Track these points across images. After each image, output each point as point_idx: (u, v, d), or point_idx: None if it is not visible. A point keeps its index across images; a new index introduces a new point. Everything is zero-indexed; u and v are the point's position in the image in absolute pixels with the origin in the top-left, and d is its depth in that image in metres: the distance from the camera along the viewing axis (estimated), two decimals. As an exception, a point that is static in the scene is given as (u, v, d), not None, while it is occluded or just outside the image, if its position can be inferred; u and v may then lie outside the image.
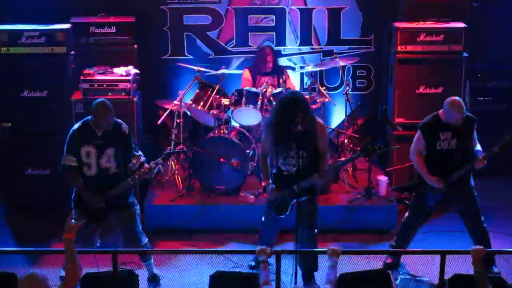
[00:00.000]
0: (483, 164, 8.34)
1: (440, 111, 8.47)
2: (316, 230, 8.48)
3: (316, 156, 8.30)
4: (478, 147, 8.53)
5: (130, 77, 10.29)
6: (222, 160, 10.13)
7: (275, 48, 11.49)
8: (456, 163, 8.45)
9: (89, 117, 8.25)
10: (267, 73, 10.98)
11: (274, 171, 8.41)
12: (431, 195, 8.55)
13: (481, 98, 11.46)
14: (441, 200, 8.58)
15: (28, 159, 10.47)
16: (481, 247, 6.85)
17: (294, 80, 11.58)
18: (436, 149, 8.45)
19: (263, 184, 8.51)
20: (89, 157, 8.17)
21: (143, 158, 8.33)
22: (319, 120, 8.39)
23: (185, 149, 9.99)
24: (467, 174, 8.54)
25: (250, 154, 10.38)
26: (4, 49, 10.27)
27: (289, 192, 8.29)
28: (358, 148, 8.55)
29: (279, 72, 11.02)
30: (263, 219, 8.63)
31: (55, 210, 10.05)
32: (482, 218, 8.58)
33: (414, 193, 8.79)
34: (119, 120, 8.35)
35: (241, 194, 10.15)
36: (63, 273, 7.51)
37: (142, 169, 8.19)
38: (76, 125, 8.30)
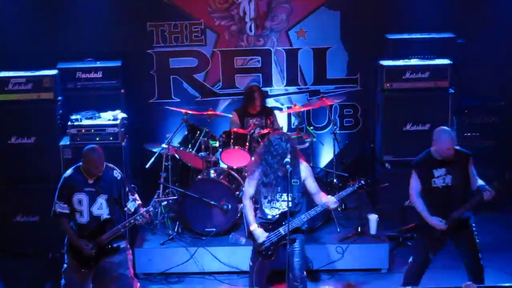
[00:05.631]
0: (492, 195, 8.09)
1: (432, 147, 8.33)
2: (304, 272, 8.34)
3: (301, 199, 8.26)
4: (480, 182, 8.29)
5: (117, 122, 10.30)
6: (211, 202, 10.09)
7: (262, 89, 11.50)
8: (455, 200, 8.23)
9: (80, 163, 8.17)
10: (255, 115, 10.99)
11: (259, 215, 8.34)
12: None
13: (468, 134, 11.44)
14: (441, 240, 8.41)
15: (16, 206, 10.41)
16: (471, 283, 6.82)
17: (282, 121, 11.59)
18: (432, 187, 8.26)
19: (250, 229, 8.32)
20: (81, 204, 8.07)
21: (138, 202, 8.24)
22: (304, 162, 8.32)
23: (175, 197, 9.91)
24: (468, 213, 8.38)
25: (240, 196, 10.34)
26: (-9, 96, 10.28)
27: (276, 236, 8.19)
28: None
29: (266, 113, 11.03)
30: (250, 264, 8.45)
31: (44, 256, 10.00)
32: (480, 256, 8.38)
33: (416, 234, 8.66)
34: (112, 165, 8.26)
35: (232, 236, 10.09)
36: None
37: (134, 217, 8.07)
38: (68, 172, 8.18)
